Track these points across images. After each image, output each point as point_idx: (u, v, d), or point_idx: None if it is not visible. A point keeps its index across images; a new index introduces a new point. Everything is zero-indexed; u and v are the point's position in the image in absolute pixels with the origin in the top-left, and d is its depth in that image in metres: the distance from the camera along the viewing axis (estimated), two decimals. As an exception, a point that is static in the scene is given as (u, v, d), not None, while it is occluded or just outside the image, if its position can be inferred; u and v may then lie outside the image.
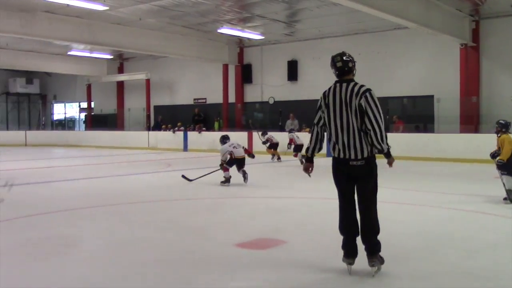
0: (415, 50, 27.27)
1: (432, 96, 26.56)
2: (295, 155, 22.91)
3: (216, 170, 16.50)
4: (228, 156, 15.83)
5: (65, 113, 46.98)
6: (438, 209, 11.16)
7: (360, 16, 23.40)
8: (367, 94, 6.13)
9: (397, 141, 24.46)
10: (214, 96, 34.68)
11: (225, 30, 27.17)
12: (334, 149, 6.41)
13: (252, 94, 33.45)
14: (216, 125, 33.17)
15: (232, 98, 33.82)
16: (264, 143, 24.19)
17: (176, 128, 33.36)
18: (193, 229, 9.28)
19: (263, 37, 29.72)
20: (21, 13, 23.66)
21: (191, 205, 12.33)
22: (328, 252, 7.19)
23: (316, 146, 6.57)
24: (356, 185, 6.35)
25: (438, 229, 9.08)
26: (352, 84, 6.28)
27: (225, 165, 15.84)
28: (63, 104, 46.73)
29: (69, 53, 34.93)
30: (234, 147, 16.04)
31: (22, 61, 35.43)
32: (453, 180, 16.13)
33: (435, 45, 26.50)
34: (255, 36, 29.07)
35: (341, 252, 6.52)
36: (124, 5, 22.98)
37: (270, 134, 24.51)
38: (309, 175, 6.81)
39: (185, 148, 31.62)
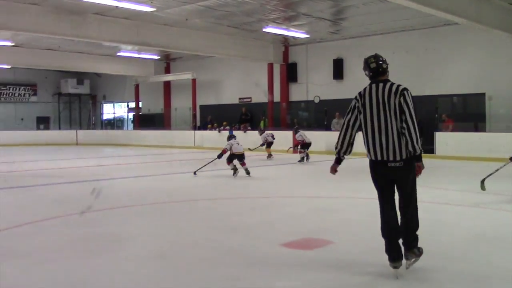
0: (466, 47, 26.74)
1: (483, 94, 25.98)
2: (300, 152, 23.41)
3: (214, 160, 18.20)
4: (228, 148, 17.81)
5: (114, 113, 47.40)
6: (492, 211, 10.87)
7: (408, 12, 23.16)
8: (405, 92, 6.12)
9: (447, 140, 24.23)
10: (259, 95, 34.69)
11: (270, 29, 27.14)
12: (370, 150, 6.36)
13: (297, 93, 33.36)
14: (261, 124, 33.16)
15: (277, 97, 33.85)
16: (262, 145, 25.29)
17: (222, 128, 33.46)
18: (239, 228, 9.31)
19: (308, 36, 29.51)
20: (72, 16, 23.95)
21: (236, 204, 12.36)
22: (376, 254, 7.03)
23: (348, 149, 6.51)
24: (396, 185, 6.33)
25: (491, 232, 8.88)
26: (389, 83, 6.26)
27: (226, 159, 17.85)
28: (112, 104, 47.16)
29: (118, 54, 35.29)
30: (237, 143, 17.99)
31: (73, 62, 35.84)
32: (508, 181, 15.54)
33: (487, 41, 25.90)
34: (300, 34, 28.94)
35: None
36: (171, 6, 23.12)
37: (267, 133, 25.61)
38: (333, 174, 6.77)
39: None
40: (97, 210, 11.04)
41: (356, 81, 29.29)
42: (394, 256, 6.38)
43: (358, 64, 26.81)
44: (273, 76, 33.61)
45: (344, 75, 31.08)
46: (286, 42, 32.93)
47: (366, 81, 6.44)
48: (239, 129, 32.62)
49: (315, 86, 32.43)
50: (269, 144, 25.19)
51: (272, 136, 25.58)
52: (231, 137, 18.63)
